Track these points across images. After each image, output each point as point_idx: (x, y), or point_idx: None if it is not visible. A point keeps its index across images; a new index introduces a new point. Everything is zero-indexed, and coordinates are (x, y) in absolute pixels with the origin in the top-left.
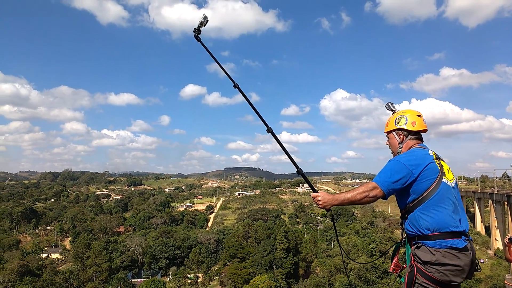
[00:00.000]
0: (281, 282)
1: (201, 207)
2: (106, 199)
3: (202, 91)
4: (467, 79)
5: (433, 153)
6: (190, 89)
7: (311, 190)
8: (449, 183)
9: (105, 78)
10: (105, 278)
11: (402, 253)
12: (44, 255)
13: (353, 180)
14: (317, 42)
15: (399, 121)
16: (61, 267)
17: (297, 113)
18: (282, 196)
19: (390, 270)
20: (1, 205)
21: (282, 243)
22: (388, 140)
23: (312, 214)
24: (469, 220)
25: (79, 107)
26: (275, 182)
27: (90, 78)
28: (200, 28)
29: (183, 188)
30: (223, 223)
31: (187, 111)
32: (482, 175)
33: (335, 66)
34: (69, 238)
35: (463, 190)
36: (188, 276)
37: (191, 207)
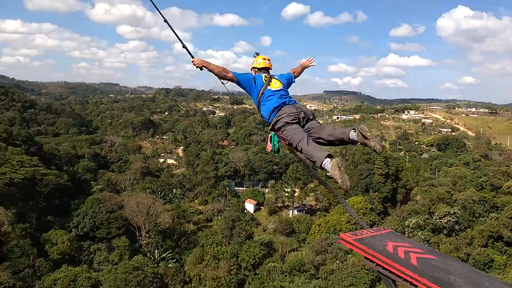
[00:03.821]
0: (377, 205)
1: None
2: (212, 115)
3: (305, 10)
4: None
5: (267, 75)
6: (293, 8)
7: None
8: (272, 89)
9: None
10: (212, 184)
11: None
12: (161, 160)
13: (469, 109)
14: None
15: (253, 63)
16: (175, 171)
17: (410, 33)
18: (384, 122)
19: (268, 150)
20: (125, 115)
21: (381, 168)
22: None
23: (416, 143)
24: None
25: (187, 28)
26: (378, 107)
27: None
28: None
29: None
30: None
31: (289, 32)
32: None
33: None
34: (181, 147)
35: None
36: (286, 190)
37: None
